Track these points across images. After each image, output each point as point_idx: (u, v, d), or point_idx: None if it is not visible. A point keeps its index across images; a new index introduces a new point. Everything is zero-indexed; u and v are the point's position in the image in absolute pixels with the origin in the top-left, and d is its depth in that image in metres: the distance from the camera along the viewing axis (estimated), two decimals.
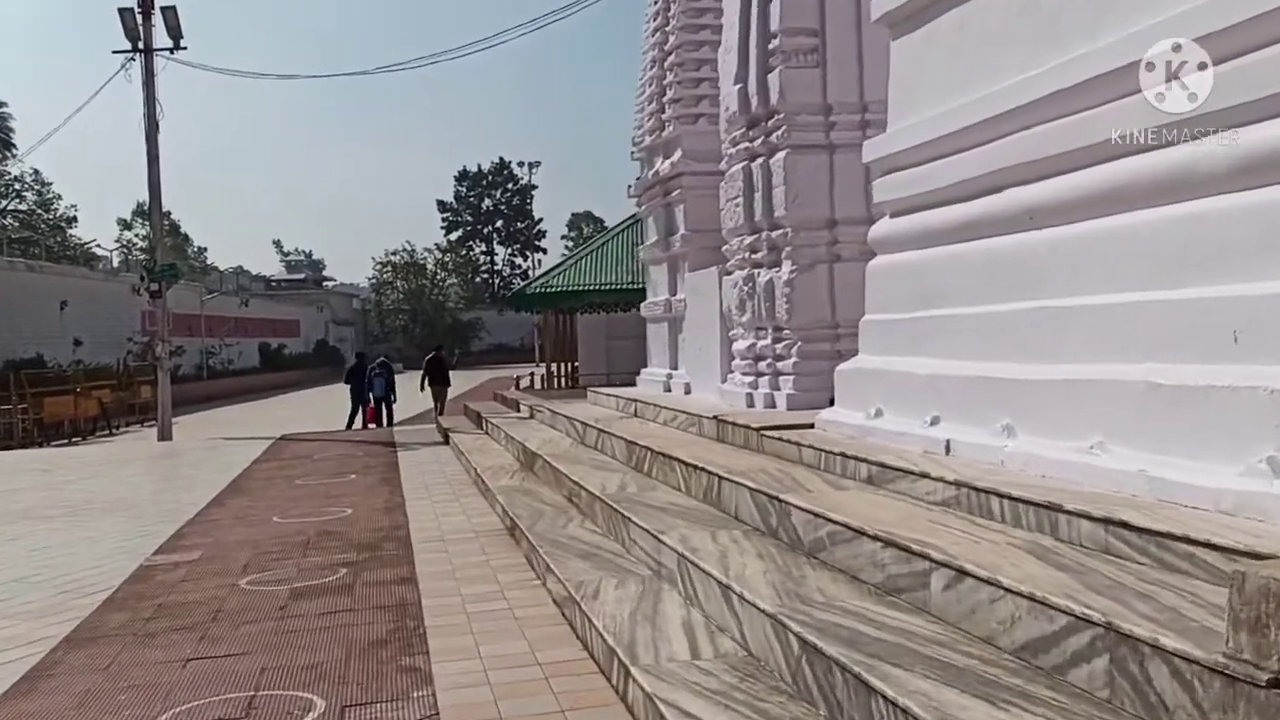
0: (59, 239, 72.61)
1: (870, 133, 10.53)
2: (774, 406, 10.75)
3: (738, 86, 11.25)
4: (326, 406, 40.08)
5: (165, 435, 25.51)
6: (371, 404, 25.84)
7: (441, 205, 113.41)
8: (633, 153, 16.16)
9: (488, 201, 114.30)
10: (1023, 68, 6.48)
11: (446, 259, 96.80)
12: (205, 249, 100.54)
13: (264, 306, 78.09)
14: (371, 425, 25.79)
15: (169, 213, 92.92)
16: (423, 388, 26.84)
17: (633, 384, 24.17)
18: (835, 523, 5.82)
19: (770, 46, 10.70)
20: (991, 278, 7.04)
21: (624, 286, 25.92)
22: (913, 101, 8.18)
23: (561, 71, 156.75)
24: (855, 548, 5.54)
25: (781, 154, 10.69)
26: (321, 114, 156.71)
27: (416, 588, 7.99)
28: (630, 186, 29.92)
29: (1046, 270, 6.29)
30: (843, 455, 7.45)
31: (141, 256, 68.88)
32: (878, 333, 8.47)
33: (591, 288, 26.04)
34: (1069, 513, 4.86)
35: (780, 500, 6.72)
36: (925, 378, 7.44)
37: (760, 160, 11.03)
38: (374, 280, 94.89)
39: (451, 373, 28.51)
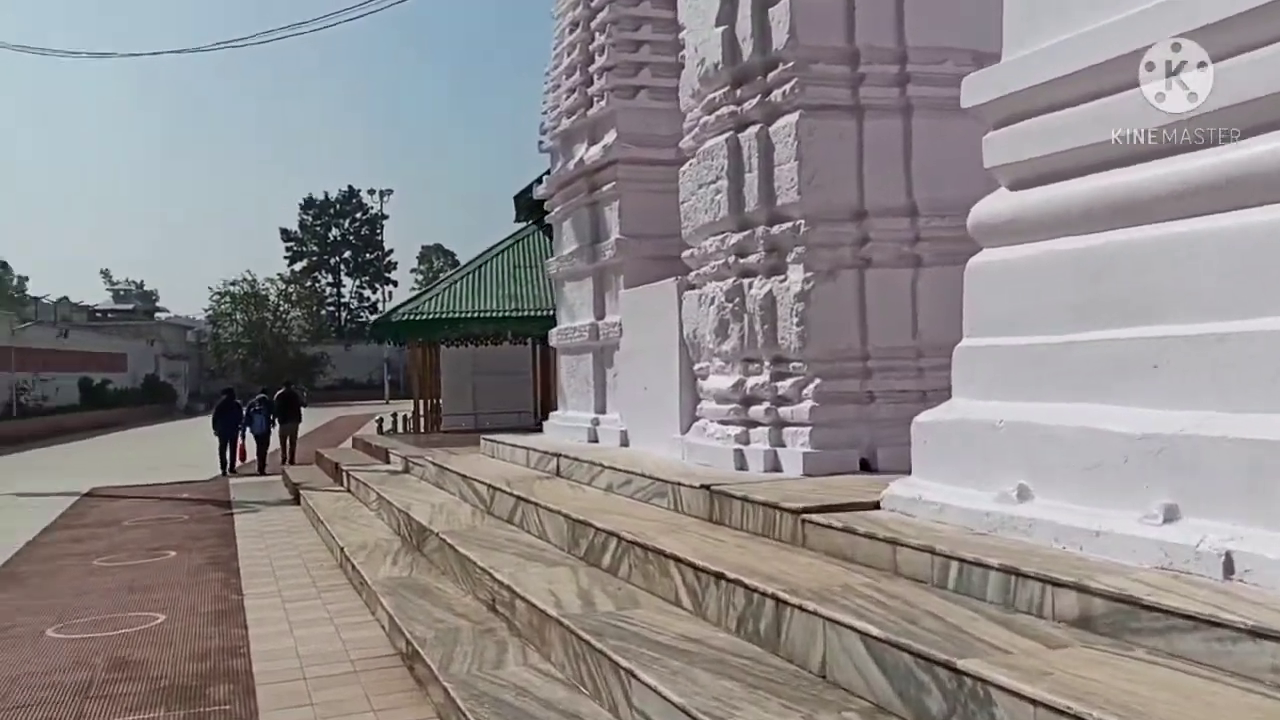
0: None
1: (913, 92, 7.64)
2: (778, 469, 7.67)
3: (721, 29, 8.23)
4: (151, 451, 35.28)
5: None
6: (244, 441, 23.76)
7: (285, 234, 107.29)
8: (540, 142, 12.98)
9: (335, 231, 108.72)
10: None
11: (290, 290, 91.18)
12: (27, 278, 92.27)
13: (86, 339, 71.23)
14: (248, 462, 23.76)
15: None
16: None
17: (509, 429, 21.04)
18: None
19: None
20: (1261, 275, 4.17)
21: (505, 314, 22.58)
22: (1060, 8, 5.28)
23: (416, 97, 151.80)
24: None
25: (789, 118, 7.68)
26: (160, 132, 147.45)
27: None
28: (530, 187, 26.69)
29: None
30: (1013, 573, 4.40)
31: None
32: (997, 366, 5.49)
33: (467, 315, 22.52)
34: None
35: (963, 674, 3.61)
36: (1137, 440, 4.47)
37: (754, 129, 8.00)
38: (211, 312, 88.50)
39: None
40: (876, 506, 6.06)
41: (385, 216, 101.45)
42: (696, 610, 5.68)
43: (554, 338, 12.80)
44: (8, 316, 61.86)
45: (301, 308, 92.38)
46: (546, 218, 13.13)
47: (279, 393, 25.27)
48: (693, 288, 9.30)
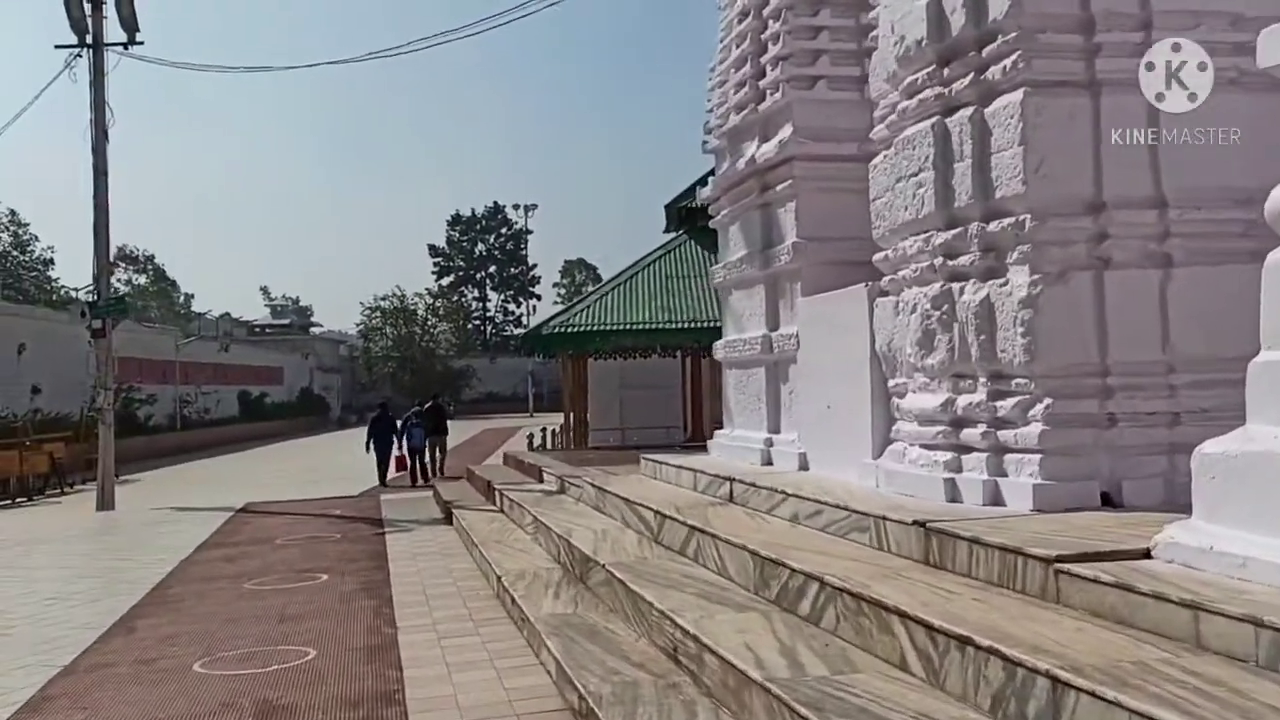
0: (37, 282, 68.38)
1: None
2: (998, 502, 6.63)
3: (924, 1, 7.23)
4: (307, 462, 35.81)
5: (106, 503, 21.14)
6: (404, 454, 24.33)
7: (433, 250, 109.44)
8: (705, 142, 12.15)
9: (480, 246, 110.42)
10: None
11: (437, 304, 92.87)
12: (192, 295, 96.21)
13: (245, 353, 73.68)
14: (400, 474, 24.28)
15: (152, 256, 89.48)
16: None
17: (657, 446, 20.22)
18: None
19: None
20: None
21: (657, 326, 21.80)
22: None
23: (559, 114, 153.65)
24: None
25: (1010, 97, 6.65)
26: (312, 154, 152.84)
27: None
28: (683, 196, 25.97)
29: None
30: None
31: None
32: None
33: (618, 327, 21.83)
34: None
35: None
36: None
37: (966, 113, 6.99)
38: (362, 326, 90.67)
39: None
40: (1147, 555, 4.99)
41: (529, 231, 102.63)
42: (931, 680, 4.71)
43: (719, 350, 11.92)
44: (173, 333, 64.35)
45: (448, 321, 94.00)
46: (710, 222, 12.26)
47: (426, 406, 25.39)
48: (886, 294, 8.31)
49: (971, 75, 6.99)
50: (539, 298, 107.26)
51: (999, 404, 6.80)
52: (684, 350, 24.04)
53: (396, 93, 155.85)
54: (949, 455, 7.11)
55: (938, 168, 7.21)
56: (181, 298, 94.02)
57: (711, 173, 26.86)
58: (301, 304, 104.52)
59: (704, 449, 22.88)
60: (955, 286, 7.13)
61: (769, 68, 10.28)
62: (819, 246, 9.77)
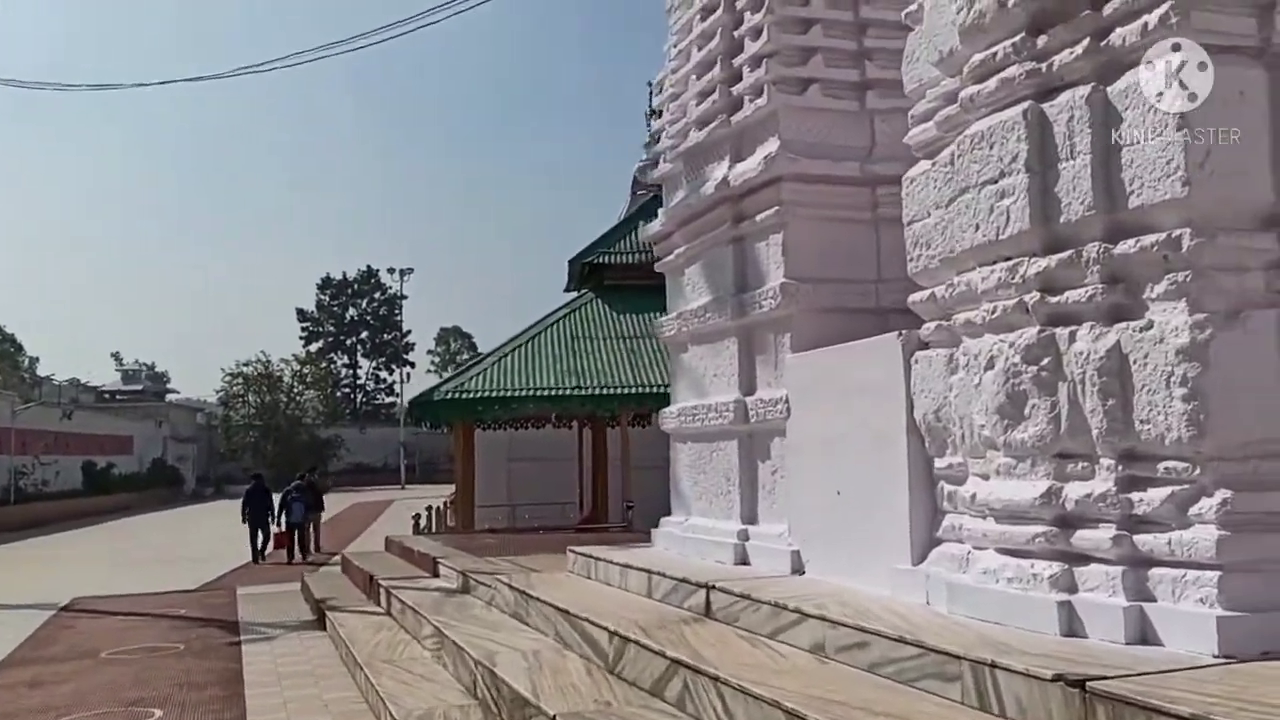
0: None
1: None
2: (1150, 640, 4.61)
3: None
4: (155, 541, 32.16)
5: None
6: (283, 530, 23.28)
7: (301, 314, 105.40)
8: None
9: (352, 311, 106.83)
10: None
11: (305, 371, 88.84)
12: (37, 359, 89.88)
13: (91, 420, 68.30)
14: (278, 551, 23.03)
15: None
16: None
17: (554, 528, 18.14)
18: None
19: None
20: None
21: (567, 393, 19.54)
22: None
23: (438, 174, 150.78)
24: None
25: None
26: (173, 211, 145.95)
27: None
28: (589, 250, 23.96)
29: None
30: None
31: None
32: None
33: (522, 393, 19.44)
34: None
35: None
36: None
37: (1077, 93, 5.08)
38: (222, 393, 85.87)
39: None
40: None
41: (404, 296, 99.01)
42: None
43: (669, 420, 9.75)
44: (8, 397, 59.25)
45: (316, 389, 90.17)
46: (659, 265, 10.13)
47: (296, 481, 23.74)
48: (927, 346, 6.32)
49: (1086, 42, 5.09)
50: (413, 365, 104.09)
51: (1139, 496, 4.80)
52: (588, 419, 21.99)
53: (269, 151, 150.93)
54: (1056, 568, 5.07)
55: (1032, 170, 5.26)
56: (26, 361, 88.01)
57: (633, 225, 25.15)
58: (157, 370, 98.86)
59: (605, 531, 20.81)
60: (1061, 332, 5.15)
61: (747, 69, 8.30)
62: (814, 289, 7.75)
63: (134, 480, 65.72)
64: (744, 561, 8.20)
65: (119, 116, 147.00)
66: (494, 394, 19.53)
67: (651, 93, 9.92)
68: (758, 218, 8.17)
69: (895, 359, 6.48)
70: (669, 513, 10.06)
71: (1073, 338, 5.10)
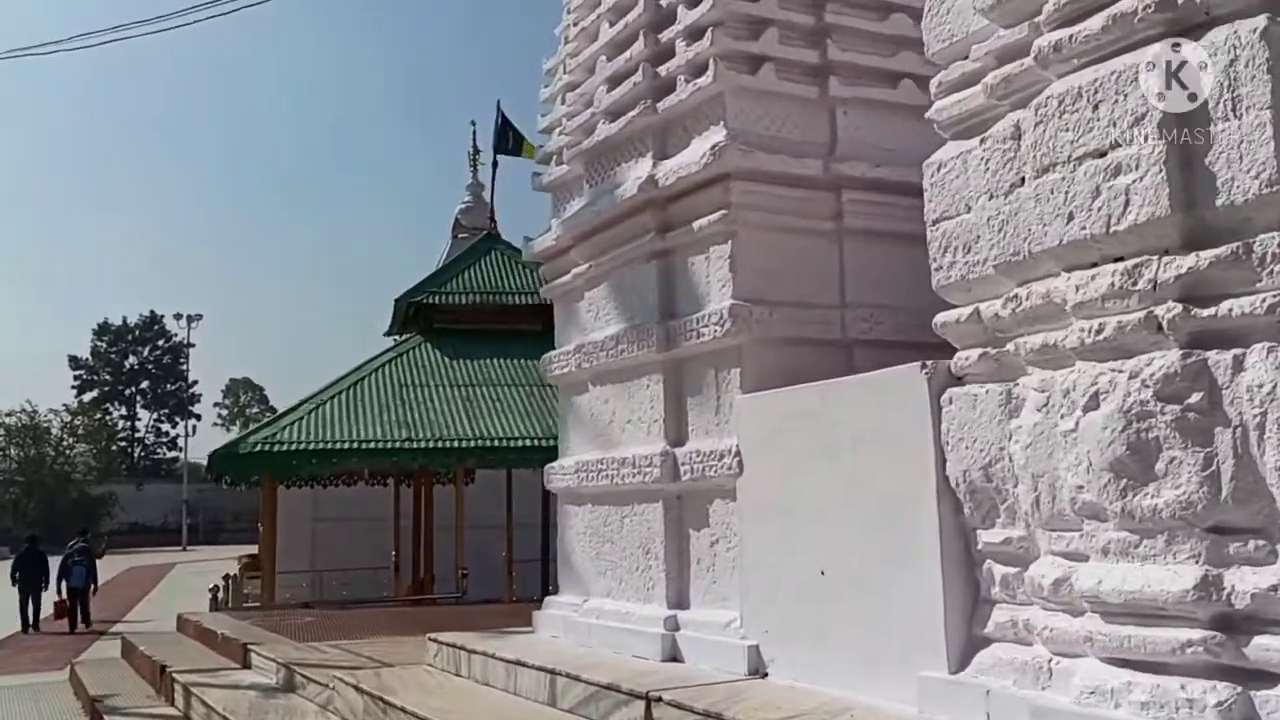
0: None
1: None
2: None
3: None
4: None
5: None
6: (63, 597, 21.71)
7: (75, 361, 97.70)
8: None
9: (132, 359, 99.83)
10: None
11: (76, 423, 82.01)
12: None
13: None
14: (60, 621, 21.51)
15: None
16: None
17: (369, 601, 16.27)
18: None
19: None
20: None
21: (398, 445, 17.36)
22: None
23: (232, 217, 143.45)
24: None
25: None
26: None
27: None
28: (418, 289, 21.90)
29: None
30: None
31: None
32: None
33: (346, 445, 17.11)
34: None
35: None
36: None
37: (1239, 29, 3.70)
38: None
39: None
40: None
41: (191, 345, 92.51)
42: None
43: (562, 478, 7.92)
44: None
45: (88, 442, 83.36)
46: (546, 289, 8.38)
47: (70, 546, 21.82)
48: (960, 381, 4.81)
49: None
50: (199, 418, 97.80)
51: None
52: (407, 475, 19.87)
53: (35, 182, 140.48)
54: (1224, 691, 3.57)
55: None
56: None
57: (464, 264, 23.15)
58: None
59: (436, 604, 18.54)
60: (1218, 358, 3.71)
61: (682, 42, 6.72)
62: (770, 314, 6.17)
63: None
64: (674, 658, 6.45)
65: None
66: (313, 446, 17.13)
67: (543, 84, 8.18)
68: (695, 225, 6.55)
69: (915, 399, 4.93)
70: (546, 589, 8.23)
71: (1239, 365, 3.66)
